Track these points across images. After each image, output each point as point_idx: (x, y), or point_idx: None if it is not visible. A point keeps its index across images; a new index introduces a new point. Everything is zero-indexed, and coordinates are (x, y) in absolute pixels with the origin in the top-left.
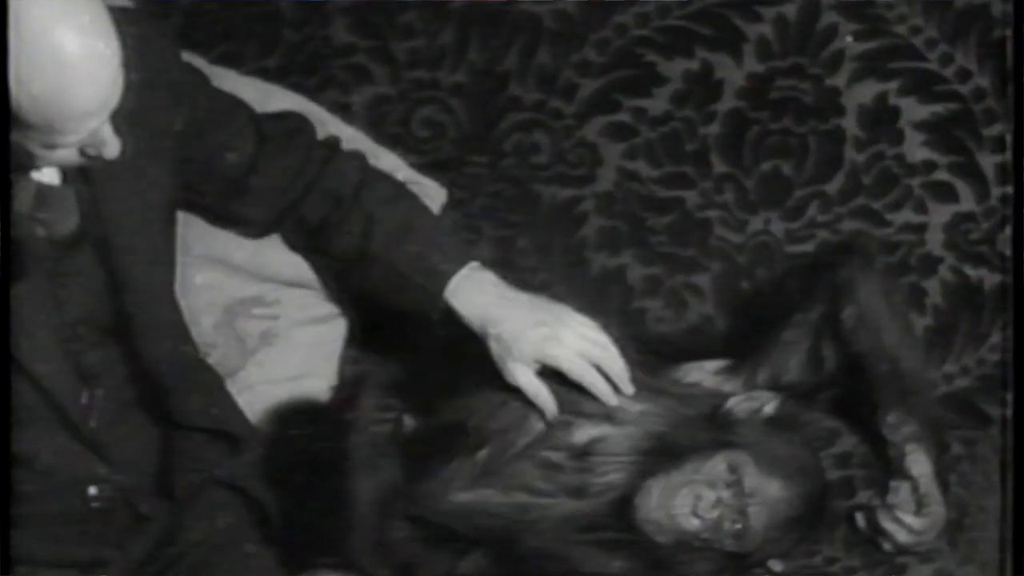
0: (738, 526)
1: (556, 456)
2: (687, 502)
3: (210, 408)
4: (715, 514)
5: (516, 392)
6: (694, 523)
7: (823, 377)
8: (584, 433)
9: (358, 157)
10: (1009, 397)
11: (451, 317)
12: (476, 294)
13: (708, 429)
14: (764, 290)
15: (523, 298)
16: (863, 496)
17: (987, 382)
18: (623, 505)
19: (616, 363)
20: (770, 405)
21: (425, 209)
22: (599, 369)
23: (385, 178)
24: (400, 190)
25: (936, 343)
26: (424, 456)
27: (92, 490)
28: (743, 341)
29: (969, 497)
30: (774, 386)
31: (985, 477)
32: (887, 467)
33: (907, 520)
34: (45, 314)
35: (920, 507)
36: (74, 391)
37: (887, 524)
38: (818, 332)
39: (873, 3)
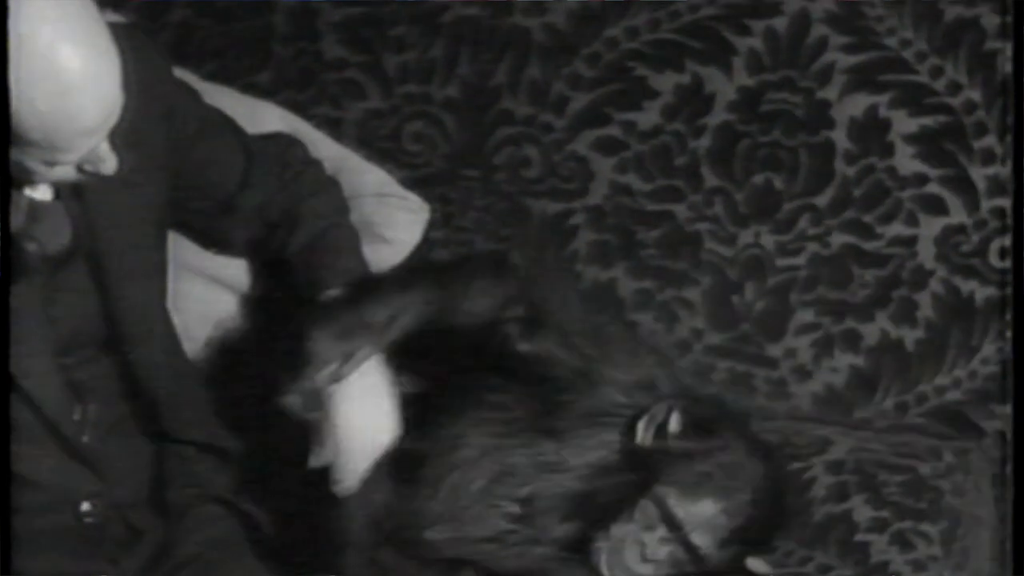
0: (689, 555)
1: (509, 506)
2: (634, 553)
3: (203, 423)
4: (664, 552)
5: (476, 428)
6: (649, 568)
7: None
8: (526, 486)
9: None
10: (1008, 409)
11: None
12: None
13: (629, 472)
14: None
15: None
16: (856, 501)
17: (979, 394)
18: (582, 555)
19: None
20: (673, 420)
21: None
22: None
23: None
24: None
25: (928, 356)
26: (401, 483)
27: (85, 505)
28: None
29: (962, 507)
30: None
31: (978, 487)
32: None
33: None
34: (37, 330)
35: None
36: (67, 406)
37: None
38: None
39: (863, 16)
